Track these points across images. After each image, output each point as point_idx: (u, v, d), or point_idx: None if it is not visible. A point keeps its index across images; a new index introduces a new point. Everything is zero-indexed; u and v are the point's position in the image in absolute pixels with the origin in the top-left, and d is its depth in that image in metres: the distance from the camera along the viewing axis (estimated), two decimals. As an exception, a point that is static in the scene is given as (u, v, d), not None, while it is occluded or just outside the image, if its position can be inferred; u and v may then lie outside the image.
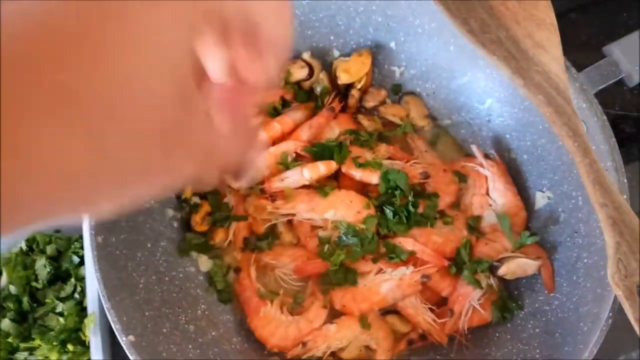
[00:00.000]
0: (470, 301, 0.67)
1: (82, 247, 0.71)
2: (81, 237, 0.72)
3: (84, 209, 0.26)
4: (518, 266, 0.67)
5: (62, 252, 0.72)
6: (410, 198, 0.70)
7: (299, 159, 0.74)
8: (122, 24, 0.21)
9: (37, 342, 0.63)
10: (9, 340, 0.63)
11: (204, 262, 0.71)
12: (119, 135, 0.22)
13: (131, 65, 0.21)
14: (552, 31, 0.68)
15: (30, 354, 0.63)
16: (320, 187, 0.72)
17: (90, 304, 0.66)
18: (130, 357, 0.57)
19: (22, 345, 0.63)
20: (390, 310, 0.69)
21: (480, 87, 0.78)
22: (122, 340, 0.57)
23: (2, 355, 0.62)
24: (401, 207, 0.70)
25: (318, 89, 0.79)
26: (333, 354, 0.67)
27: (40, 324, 0.65)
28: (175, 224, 0.72)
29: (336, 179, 0.75)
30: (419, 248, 0.68)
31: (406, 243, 0.69)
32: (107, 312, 0.58)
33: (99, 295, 0.66)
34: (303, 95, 0.80)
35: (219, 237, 0.72)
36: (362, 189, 0.73)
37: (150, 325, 0.62)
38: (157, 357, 0.59)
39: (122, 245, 0.65)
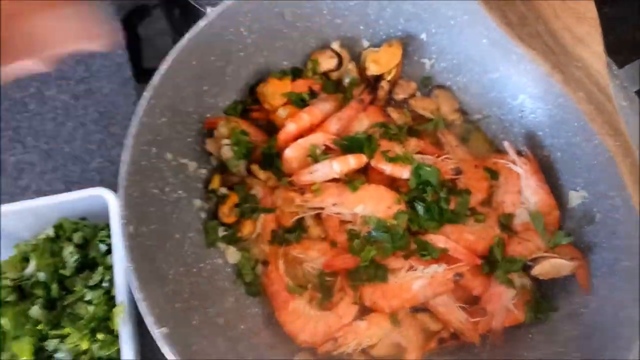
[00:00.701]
0: (503, 301, 0.65)
1: (108, 236, 0.70)
2: (107, 225, 0.71)
3: None
4: (552, 266, 0.66)
5: (88, 241, 0.72)
6: (441, 194, 0.69)
7: (327, 152, 0.73)
8: None
9: (67, 330, 0.62)
10: (39, 327, 0.63)
11: (232, 254, 0.70)
12: None
13: None
14: (593, 25, 0.66)
15: (61, 342, 0.62)
16: (349, 180, 0.71)
17: (119, 293, 0.65)
18: (163, 349, 0.56)
19: (52, 332, 0.63)
20: (421, 308, 0.68)
21: (513, 83, 0.76)
22: (155, 332, 0.56)
23: (33, 342, 0.62)
24: (432, 203, 0.69)
25: (347, 80, 0.78)
26: (363, 350, 0.66)
27: (70, 312, 0.64)
28: (203, 215, 0.71)
29: (364, 173, 0.73)
30: (451, 245, 0.67)
31: (438, 240, 0.68)
32: (138, 303, 0.57)
33: (127, 285, 0.65)
34: (331, 87, 0.78)
35: (246, 229, 0.71)
36: (391, 183, 0.72)
37: (180, 318, 0.61)
38: (188, 350, 0.58)
39: (152, 236, 0.64)
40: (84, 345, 0.61)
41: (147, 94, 0.65)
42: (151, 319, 0.57)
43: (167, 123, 0.69)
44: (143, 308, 0.57)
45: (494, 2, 0.66)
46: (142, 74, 0.92)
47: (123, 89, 0.89)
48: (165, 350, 0.56)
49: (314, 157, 0.71)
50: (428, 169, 0.69)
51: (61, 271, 0.67)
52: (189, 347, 0.59)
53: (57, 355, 0.63)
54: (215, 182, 0.72)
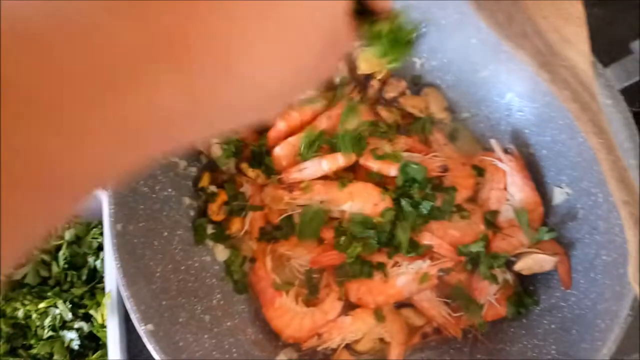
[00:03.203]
0: (486, 296, 0.67)
1: (101, 234, 0.71)
2: (100, 223, 0.71)
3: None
4: (535, 262, 0.67)
5: (80, 238, 0.72)
6: (428, 191, 0.69)
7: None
8: None
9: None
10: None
11: (221, 252, 0.71)
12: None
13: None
14: (580, 25, 0.66)
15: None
16: (337, 178, 0.71)
17: (108, 287, 0.66)
18: (148, 346, 0.57)
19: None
20: (405, 304, 0.70)
21: (501, 81, 0.77)
22: (141, 328, 0.57)
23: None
24: (419, 200, 0.69)
25: (337, 79, 0.78)
26: (347, 346, 0.68)
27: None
28: (192, 213, 0.72)
29: (353, 171, 0.74)
30: (436, 242, 0.68)
31: (423, 237, 0.68)
32: (125, 300, 0.58)
33: (117, 284, 0.66)
34: (322, 85, 0.78)
35: (235, 226, 0.71)
36: (379, 181, 0.73)
37: (167, 315, 0.62)
38: (174, 346, 0.59)
39: (140, 234, 0.64)
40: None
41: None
42: (137, 316, 0.57)
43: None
44: (129, 305, 0.58)
45: (483, 2, 0.66)
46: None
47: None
48: (151, 346, 0.57)
49: (303, 155, 0.72)
50: (415, 166, 0.70)
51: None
52: (175, 344, 0.60)
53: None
54: (205, 180, 0.72)
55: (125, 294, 0.58)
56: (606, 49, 0.75)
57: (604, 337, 0.57)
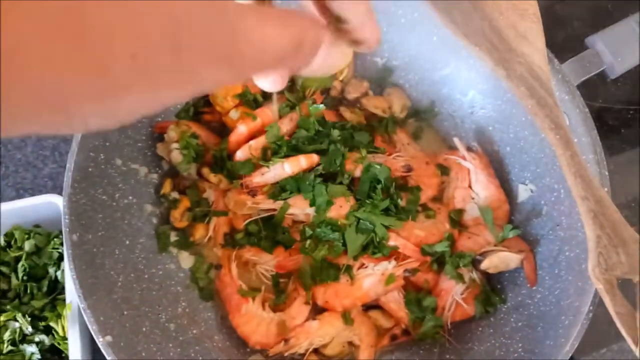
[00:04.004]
0: (453, 295, 0.66)
1: (62, 243, 0.70)
2: (61, 233, 0.70)
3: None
4: (501, 260, 0.67)
5: (40, 248, 0.71)
6: (392, 191, 0.69)
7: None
8: None
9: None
10: None
11: (185, 259, 0.70)
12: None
13: None
14: (535, 21, 0.67)
15: None
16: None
17: (69, 298, 0.65)
18: (107, 358, 0.56)
19: None
20: (373, 306, 0.69)
21: (463, 79, 0.77)
22: (99, 340, 0.56)
23: None
24: (383, 200, 0.69)
25: (299, 81, 0.78)
26: (316, 350, 0.67)
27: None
28: (155, 220, 0.71)
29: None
30: (401, 242, 0.67)
31: (388, 237, 0.68)
32: (82, 312, 0.57)
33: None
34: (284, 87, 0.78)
35: (199, 233, 0.70)
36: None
37: (129, 325, 0.61)
38: (136, 357, 0.58)
39: (99, 243, 0.63)
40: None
41: (90, 99, 0.64)
42: (96, 327, 0.56)
43: (116, 128, 0.68)
44: (87, 316, 0.56)
45: (439, 1, 0.66)
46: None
47: (76, 94, 0.87)
48: (109, 358, 0.55)
49: (265, 159, 0.71)
50: (378, 167, 0.70)
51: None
52: (137, 354, 0.59)
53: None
54: (167, 187, 0.71)
55: (82, 305, 0.57)
56: (568, 46, 0.76)
57: (567, 334, 0.57)
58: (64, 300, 0.67)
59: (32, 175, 0.82)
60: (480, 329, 0.67)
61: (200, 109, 0.76)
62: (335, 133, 0.71)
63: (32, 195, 0.79)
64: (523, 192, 0.72)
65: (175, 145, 0.69)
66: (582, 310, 0.57)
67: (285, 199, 0.69)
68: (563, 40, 0.86)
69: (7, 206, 0.71)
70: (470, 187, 0.73)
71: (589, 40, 0.67)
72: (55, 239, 0.72)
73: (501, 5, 0.68)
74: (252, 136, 0.72)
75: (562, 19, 0.87)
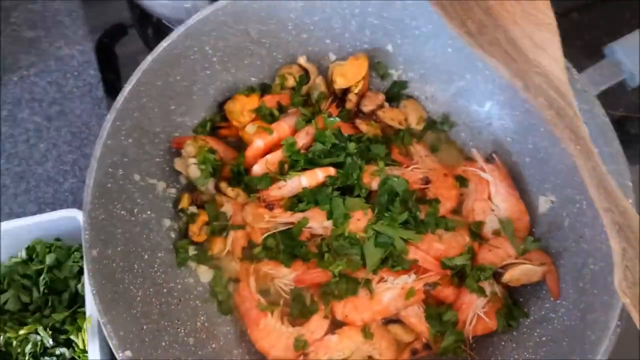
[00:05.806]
0: (474, 309, 0.65)
1: (82, 257, 0.70)
2: (81, 246, 0.71)
3: None
4: (522, 273, 0.66)
5: (61, 262, 0.72)
6: (410, 204, 0.69)
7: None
8: None
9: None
10: None
11: (204, 273, 0.70)
12: None
13: None
14: (552, 31, 0.66)
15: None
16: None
17: (89, 311, 0.65)
18: (127, 373, 0.56)
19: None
20: (393, 320, 0.68)
21: (480, 90, 0.77)
22: (119, 356, 0.56)
23: None
24: (401, 213, 0.68)
25: (315, 94, 0.78)
26: (335, 365, 0.66)
27: None
28: (173, 235, 0.71)
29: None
30: (421, 256, 0.67)
31: (408, 251, 0.67)
32: (102, 327, 0.57)
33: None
34: (300, 101, 0.78)
35: (217, 247, 0.71)
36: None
37: (148, 339, 0.61)
38: (155, 373, 0.58)
39: (119, 258, 0.64)
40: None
41: (110, 116, 0.65)
42: (115, 343, 0.56)
43: (134, 144, 0.69)
44: (107, 331, 0.57)
45: (453, 11, 0.66)
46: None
47: (95, 110, 0.89)
48: (129, 374, 0.55)
49: (282, 173, 0.71)
50: (396, 179, 0.69)
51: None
52: (156, 369, 0.59)
53: None
54: (185, 202, 0.72)
55: (102, 320, 0.57)
56: (586, 54, 0.75)
57: (594, 350, 0.56)
58: (84, 313, 0.67)
59: (53, 190, 0.84)
60: (502, 343, 0.66)
61: (217, 123, 0.77)
62: (352, 146, 0.72)
63: (53, 209, 0.80)
64: (543, 204, 0.71)
65: (192, 160, 0.70)
66: (609, 326, 0.56)
67: (302, 210, 0.69)
68: (580, 49, 0.85)
69: (28, 221, 0.72)
70: (489, 198, 0.72)
71: (607, 49, 0.66)
72: (75, 253, 0.72)
73: (516, 15, 0.67)
74: (269, 150, 0.72)
75: (578, 27, 0.86)
